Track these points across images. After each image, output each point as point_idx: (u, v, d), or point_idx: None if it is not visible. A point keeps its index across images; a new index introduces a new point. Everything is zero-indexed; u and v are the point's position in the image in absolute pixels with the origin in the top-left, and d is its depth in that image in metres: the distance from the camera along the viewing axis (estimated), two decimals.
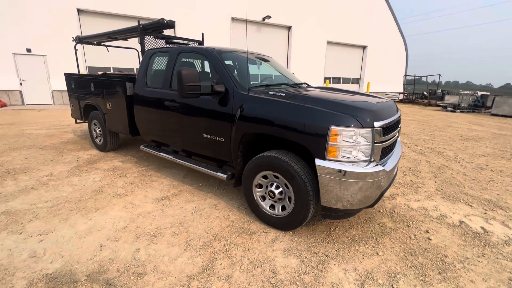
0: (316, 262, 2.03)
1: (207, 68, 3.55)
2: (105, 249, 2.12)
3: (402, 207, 2.94)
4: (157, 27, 3.62)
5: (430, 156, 4.94)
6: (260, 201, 2.50)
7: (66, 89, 4.93)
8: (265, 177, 2.42)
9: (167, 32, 4.22)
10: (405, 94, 19.15)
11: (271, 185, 2.38)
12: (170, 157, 3.29)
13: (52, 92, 11.09)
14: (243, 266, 1.96)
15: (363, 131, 1.94)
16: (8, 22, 9.86)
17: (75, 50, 5.41)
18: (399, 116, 2.57)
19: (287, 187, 2.26)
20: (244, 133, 2.43)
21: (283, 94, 2.35)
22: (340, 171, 1.93)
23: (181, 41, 4.02)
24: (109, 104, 3.97)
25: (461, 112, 13.20)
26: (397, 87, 21.34)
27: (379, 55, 20.10)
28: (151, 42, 3.85)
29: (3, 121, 7.45)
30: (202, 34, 4.67)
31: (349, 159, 1.97)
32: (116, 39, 4.90)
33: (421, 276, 1.91)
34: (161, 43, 4.09)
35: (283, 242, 2.25)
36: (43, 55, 10.61)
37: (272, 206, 2.45)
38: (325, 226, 2.51)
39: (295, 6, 15.58)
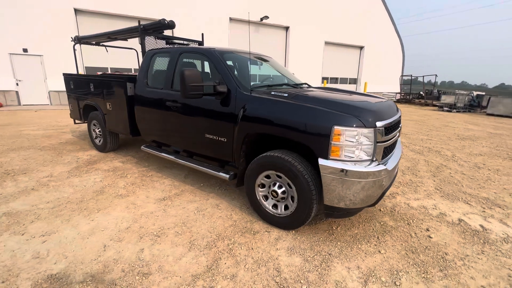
0: (319, 260, 2.05)
1: (207, 69, 3.56)
2: (109, 250, 2.12)
3: (402, 205, 2.98)
4: (157, 28, 3.62)
5: (428, 156, 4.99)
6: (262, 200, 2.52)
7: (63, 89, 4.92)
8: (267, 176, 2.44)
9: (165, 32, 4.22)
10: (402, 94, 19.29)
11: (274, 184, 2.40)
12: (171, 157, 3.29)
13: (49, 92, 11.00)
14: (247, 265, 1.98)
15: (365, 131, 1.97)
16: (4, 21, 9.76)
17: (74, 50, 5.38)
18: (400, 116, 2.60)
19: (290, 187, 2.28)
20: (247, 133, 2.45)
21: (286, 95, 2.37)
22: (342, 170, 1.96)
23: (181, 42, 4.02)
24: (109, 105, 3.96)
25: (457, 112, 13.34)
26: (394, 87, 21.50)
27: (376, 56, 20.25)
28: (152, 43, 3.85)
29: (0, 121, 7.39)
30: (202, 34, 4.68)
31: (352, 159, 2.00)
32: (115, 39, 4.88)
33: (423, 273, 1.95)
34: (161, 44, 4.09)
35: (286, 241, 2.27)
36: (39, 55, 10.52)
37: (275, 206, 2.47)
38: (327, 225, 2.54)
39: (293, 6, 15.63)
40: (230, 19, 13.98)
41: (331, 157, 2.00)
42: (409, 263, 2.06)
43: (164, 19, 3.47)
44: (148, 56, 3.47)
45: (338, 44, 18.44)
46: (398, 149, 2.62)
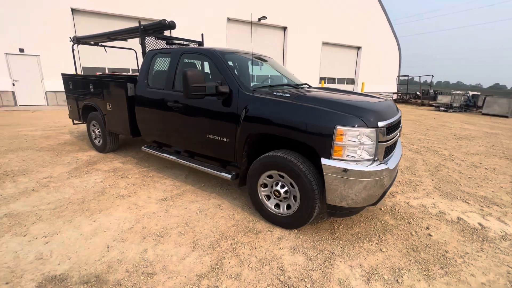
0: (322, 259, 2.07)
1: (206, 69, 3.57)
2: (113, 250, 2.12)
3: (402, 204, 3.02)
4: (158, 28, 3.62)
5: (426, 155, 5.05)
6: (265, 200, 2.54)
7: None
8: (270, 176, 2.45)
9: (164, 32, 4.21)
10: (399, 94, 19.46)
11: (276, 184, 2.42)
12: (173, 157, 3.29)
13: (45, 92, 10.91)
14: (251, 265, 1.99)
15: (367, 130, 1.99)
16: (0, 21, 9.66)
17: (73, 50, 5.35)
18: (400, 116, 2.64)
19: (293, 186, 2.30)
20: (249, 133, 2.46)
21: (288, 95, 2.39)
22: (345, 170, 1.98)
23: (182, 42, 4.02)
24: (109, 105, 3.95)
25: (453, 111, 13.48)
26: (390, 87, 21.65)
27: (373, 56, 20.37)
28: (152, 43, 3.85)
29: None
30: (202, 35, 4.68)
31: (354, 158, 2.02)
32: (115, 39, 4.86)
33: (424, 271, 1.98)
34: (161, 44, 4.09)
35: (289, 240, 2.29)
36: (36, 55, 10.43)
37: (277, 205, 2.49)
38: (329, 224, 2.56)
39: (291, 7, 15.67)
40: (228, 19, 13.98)
41: (333, 157, 2.02)
42: (410, 261, 2.09)
43: (164, 20, 3.47)
44: (149, 57, 3.46)
45: (336, 44, 18.52)
46: (398, 149, 2.65)
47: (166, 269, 1.93)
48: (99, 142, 4.59)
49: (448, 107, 13.88)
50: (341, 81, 20.22)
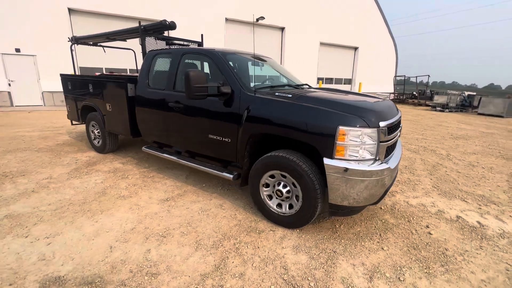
0: (325, 258, 2.09)
1: (206, 69, 3.58)
2: (116, 251, 2.12)
3: (401, 203, 3.05)
4: (158, 28, 3.62)
5: (424, 155, 5.10)
6: (267, 200, 2.55)
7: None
8: (272, 176, 2.47)
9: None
10: (396, 94, 19.59)
11: (279, 184, 2.44)
12: (174, 158, 3.30)
13: (42, 93, 10.82)
14: (255, 264, 2.01)
15: (369, 130, 2.02)
16: None
17: (71, 50, 5.32)
18: (400, 116, 2.67)
19: (295, 186, 2.32)
20: (252, 133, 2.48)
21: (290, 95, 2.41)
22: (347, 169, 2.00)
23: (182, 42, 4.02)
24: (109, 105, 3.94)
25: (449, 111, 13.61)
26: (387, 87, 21.81)
27: (370, 56, 20.50)
28: (152, 43, 3.84)
29: None
30: (202, 35, 4.69)
31: (356, 158, 2.05)
32: (114, 39, 4.85)
33: (425, 268, 2.01)
34: (161, 44, 4.09)
35: (291, 240, 2.31)
36: (32, 55, 10.34)
37: (279, 205, 2.50)
38: (330, 223, 2.58)
39: (288, 7, 15.72)
40: (226, 19, 13.98)
41: (336, 157, 2.04)
42: (411, 259, 2.12)
43: (165, 20, 3.47)
44: (150, 57, 3.46)
45: (333, 45, 18.61)
46: (398, 149, 2.68)
47: (170, 269, 1.93)
48: (98, 142, 4.57)
49: (444, 107, 14.02)
50: (338, 81, 20.32)
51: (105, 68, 11.66)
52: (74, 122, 5.21)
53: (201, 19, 13.06)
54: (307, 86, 3.46)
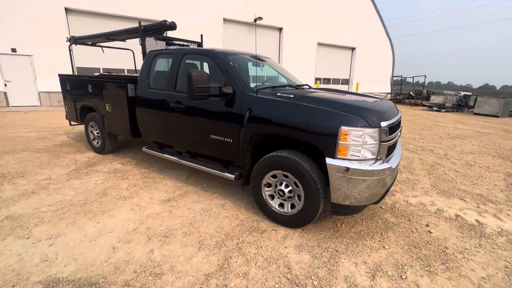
0: (327, 257, 2.11)
1: (205, 70, 3.58)
2: (119, 251, 2.12)
3: (401, 203, 3.08)
4: (158, 29, 3.62)
5: (422, 154, 5.15)
6: (269, 200, 2.57)
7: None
8: (274, 176, 2.48)
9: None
10: (393, 95, 19.74)
11: (281, 184, 2.45)
12: (175, 158, 3.30)
13: (39, 93, 10.73)
14: (258, 263, 2.02)
15: (371, 130, 2.04)
16: None
17: (70, 50, 5.29)
18: (400, 116, 2.70)
19: (297, 186, 2.34)
20: (254, 133, 2.49)
21: (292, 96, 2.43)
22: (349, 169, 2.02)
23: (182, 43, 4.02)
24: (109, 106, 3.92)
25: (446, 111, 13.75)
26: (384, 87, 21.95)
27: (367, 57, 20.62)
28: (152, 44, 3.84)
29: None
30: (201, 36, 4.69)
31: (358, 158, 2.07)
32: (114, 40, 4.83)
33: (426, 266, 2.03)
34: (161, 45, 4.08)
35: (293, 239, 2.32)
36: (29, 55, 10.25)
37: (281, 205, 2.52)
38: (332, 223, 2.60)
39: (286, 8, 15.76)
40: (224, 19, 13.98)
41: (338, 156, 2.06)
42: (412, 257, 2.14)
43: (165, 20, 3.47)
44: (150, 57, 3.46)
45: (331, 45, 18.70)
46: (398, 149, 2.71)
47: (173, 269, 1.94)
48: (97, 143, 4.54)
49: (441, 107, 14.16)
50: (336, 81, 20.41)
51: (102, 68, 11.60)
52: (72, 123, 5.18)
53: (199, 19, 13.05)
54: (307, 87, 3.48)
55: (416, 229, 2.55)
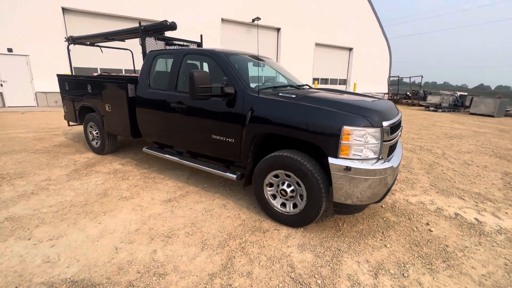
0: (330, 256, 2.12)
1: (205, 70, 3.58)
2: (121, 252, 2.11)
3: (401, 202, 3.11)
4: (159, 29, 3.61)
5: (420, 154, 5.20)
6: (271, 199, 2.57)
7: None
8: (276, 176, 2.49)
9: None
10: (390, 95, 19.86)
11: (283, 183, 2.46)
12: (176, 158, 3.29)
13: (35, 93, 10.63)
14: (261, 263, 2.03)
15: (373, 130, 2.06)
16: None
17: (68, 50, 5.25)
18: (401, 116, 2.72)
19: (299, 185, 2.35)
20: (256, 133, 2.50)
21: (294, 96, 2.44)
22: (352, 168, 2.04)
23: (182, 43, 4.01)
24: (109, 106, 3.91)
25: (442, 111, 13.88)
26: (381, 87, 22.07)
27: (364, 57, 20.74)
28: (152, 44, 3.83)
29: None
30: (201, 36, 4.69)
31: (360, 157, 2.09)
32: (113, 40, 4.80)
33: (428, 264, 2.05)
34: (160, 45, 4.07)
35: (296, 239, 2.33)
36: (25, 55, 10.16)
37: (283, 204, 2.53)
38: (333, 222, 2.62)
39: (284, 8, 15.80)
40: (222, 20, 13.98)
41: (340, 156, 2.08)
42: (414, 255, 2.16)
43: (166, 21, 3.46)
44: (150, 57, 3.45)
45: (328, 45, 18.77)
46: (399, 148, 2.74)
47: (177, 269, 1.94)
48: (96, 143, 4.52)
49: (437, 107, 14.28)
50: (333, 81, 20.50)
51: (100, 69, 11.53)
52: (71, 123, 5.14)
53: (197, 19, 13.02)
54: (308, 87, 3.49)
55: (417, 227, 2.58)
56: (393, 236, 2.42)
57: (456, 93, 15.27)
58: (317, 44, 18.02)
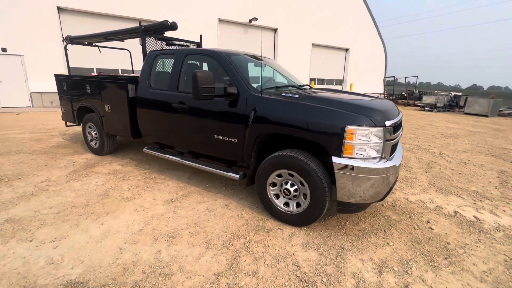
0: (334, 254, 2.14)
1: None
2: (126, 252, 2.10)
3: (402, 200, 3.15)
4: (159, 29, 3.60)
5: (418, 153, 5.26)
6: (274, 199, 2.59)
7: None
8: (279, 175, 2.50)
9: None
10: (386, 95, 20.05)
11: (286, 183, 2.47)
12: (177, 159, 3.28)
13: (30, 94, 10.49)
14: (267, 262, 2.04)
15: (376, 129, 2.09)
16: None
17: (66, 50, 5.19)
18: (402, 116, 2.76)
19: (302, 185, 2.36)
20: (259, 133, 2.51)
21: (297, 96, 2.46)
22: (355, 167, 2.06)
23: (182, 43, 4.00)
24: (108, 106, 3.88)
25: (437, 111, 14.06)
26: (377, 88, 22.28)
27: (360, 58, 20.92)
28: (152, 44, 3.81)
29: None
30: (201, 36, 4.68)
31: (363, 156, 2.11)
32: (112, 40, 4.77)
33: (430, 262, 2.09)
34: (160, 45, 4.06)
35: (299, 238, 2.35)
36: (20, 55, 10.02)
37: (286, 204, 2.54)
38: (336, 221, 2.64)
39: (281, 9, 15.85)
40: (219, 20, 13.97)
41: (344, 155, 2.10)
42: (416, 253, 2.20)
43: (166, 21, 3.46)
44: (151, 57, 3.44)
45: (325, 46, 18.89)
46: (399, 148, 2.77)
47: (183, 269, 1.94)
48: (95, 144, 4.48)
49: (432, 107, 14.47)
50: (330, 82, 20.62)
51: (96, 69, 11.43)
52: (69, 124, 5.09)
53: (194, 19, 12.99)
54: (308, 87, 3.52)
55: (418, 225, 2.62)
56: (395, 234, 2.45)
57: (451, 93, 15.50)
58: (314, 45, 18.12)
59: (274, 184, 2.58)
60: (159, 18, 11.35)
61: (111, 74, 4.90)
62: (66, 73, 10.37)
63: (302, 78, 17.57)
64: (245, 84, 2.64)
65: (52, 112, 9.47)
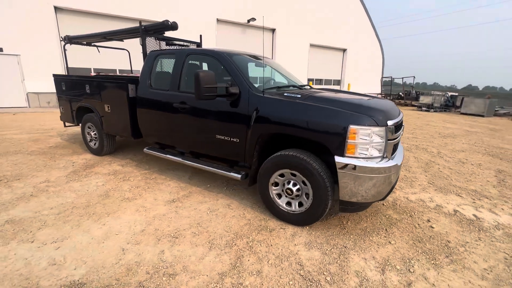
0: (337, 253, 2.16)
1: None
2: (128, 253, 2.10)
3: (402, 199, 3.17)
4: (159, 29, 3.59)
5: (416, 153, 5.31)
6: (276, 198, 2.59)
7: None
8: (281, 175, 2.51)
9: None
10: (383, 95, 20.17)
11: (288, 182, 2.48)
12: (178, 159, 3.28)
13: (27, 94, 10.39)
14: (270, 261, 2.04)
15: (378, 129, 2.10)
16: None
17: (64, 50, 5.15)
18: (403, 116, 2.78)
19: (305, 184, 2.37)
20: (261, 133, 2.51)
21: (299, 96, 2.47)
22: (358, 166, 2.08)
23: (182, 43, 3.99)
24: (108, 107, 3.86)
25: (434, 111, 14.18)
26: (375, 88, 22.42)
27: (358, 58, 21.02)
28: (152, 44, 3.80)
29: None
30: (200, 36, 4.68)
31: (366, 156, 2.13)
32: (111, 39, 4.74)
33: (432, 260, 2.11)
34: (159, 45, 4.05)
35: (302, 237, 2.36)
36: (16, 55, 9.91)
37: (289, 203, 2.55)
38: (338, 220, 2.66)
39: (279, 9, 15.88)
40: (217, 20, 13.96)
41: (346, 155, 2.11)
42: (418, 251, 2.22)
43: (167, 21, 3.45)
44: (151, 57, 3.43)
45: (323, 46, 18.96)
46: (400, 148, 2.79)
47: (187, 269, 1.93)
48: (95, 144, 4.46)
49: (429, 107, 14.59)
50: (328, 82, 20.69)
51: (94, 69, 11.36)
52: (67, 124, 5.05)
53: (193, 19, 12.96)
54: (309, 87, 3.53)
55: (419, 224, 2.64)
56: (397, 233, 2.47)
57: (447, 94, 15.63)
58: (312, 45, 18.18)
59: (276, 184, 2.58)
60: (158, 18, 11.32)
61: (111, 74, 4.87)
62: (63, 73, 10.31)
63: (300, 78, 17.57)
64: (247, 84, 2.64)
65: (49, 113, 9.39)
